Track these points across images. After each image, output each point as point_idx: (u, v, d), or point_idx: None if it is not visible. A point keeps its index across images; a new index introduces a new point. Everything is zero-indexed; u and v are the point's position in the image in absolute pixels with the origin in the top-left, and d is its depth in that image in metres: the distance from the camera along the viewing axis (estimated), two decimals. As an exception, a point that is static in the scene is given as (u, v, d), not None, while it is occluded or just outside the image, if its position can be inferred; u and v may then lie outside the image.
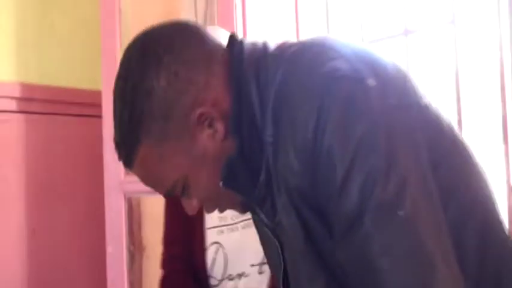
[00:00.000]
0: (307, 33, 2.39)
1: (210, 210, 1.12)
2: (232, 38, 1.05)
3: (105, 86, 2.37)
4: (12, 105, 2.68)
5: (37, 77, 2.75)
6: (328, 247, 0.98)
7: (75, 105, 2.79)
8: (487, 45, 2.08)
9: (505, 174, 1.94)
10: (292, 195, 0.97)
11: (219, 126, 1.01)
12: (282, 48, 1.03)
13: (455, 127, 1.08)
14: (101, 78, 2.42)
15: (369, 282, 0.94)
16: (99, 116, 2.41)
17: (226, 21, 2.25)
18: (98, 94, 2.41)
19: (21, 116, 2.71)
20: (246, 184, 1.04)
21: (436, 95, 1.84)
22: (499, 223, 1.10)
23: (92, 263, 2.75)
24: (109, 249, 2.57)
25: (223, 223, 1.83)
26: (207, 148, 1.02)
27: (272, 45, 1.05)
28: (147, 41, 1.03)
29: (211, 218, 1.83)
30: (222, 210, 1.12)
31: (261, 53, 1.02)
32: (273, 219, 1.05)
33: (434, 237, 0.95)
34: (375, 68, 0.99)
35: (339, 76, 0.95)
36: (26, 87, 2.71)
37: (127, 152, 1.04)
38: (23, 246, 2.70)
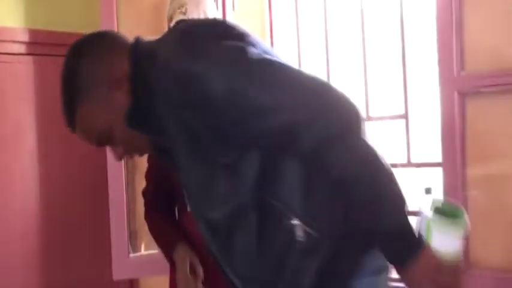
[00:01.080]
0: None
1: (132, 156, 1.59)
2: (137, 38, 1.51)
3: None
4: (22, 48, 2.98)
5: (43, 23, 3.03)
6: (208, 144, 1.39)
7: (76, 48, 3.09)
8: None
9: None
10: (180, 114, 1.38)
11: (124, 91, 1.44)
12: (167, 34, 1.49)
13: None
14: (100, 23, 2.71)
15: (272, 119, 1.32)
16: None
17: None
18: (97, 38, 2.70)
19: (29, 58, 3.01)
20: (144, 124, 1.46)
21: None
22: None
23: (96, 183, 3.07)
24: (110, 170, 2.88)
25: None
26: (117, 106, 1.44)
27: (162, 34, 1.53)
28: (80, 44, 1.50)
29: None
30: (140, 154, 1.58)
31: (154, 41, 1.48)
32: (170, 142, 1.46)
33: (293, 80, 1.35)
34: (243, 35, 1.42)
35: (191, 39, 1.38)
36: (33, 32, 2.99)
37: (69, 118, 1.48)
38: (36, 168, 3.06)
